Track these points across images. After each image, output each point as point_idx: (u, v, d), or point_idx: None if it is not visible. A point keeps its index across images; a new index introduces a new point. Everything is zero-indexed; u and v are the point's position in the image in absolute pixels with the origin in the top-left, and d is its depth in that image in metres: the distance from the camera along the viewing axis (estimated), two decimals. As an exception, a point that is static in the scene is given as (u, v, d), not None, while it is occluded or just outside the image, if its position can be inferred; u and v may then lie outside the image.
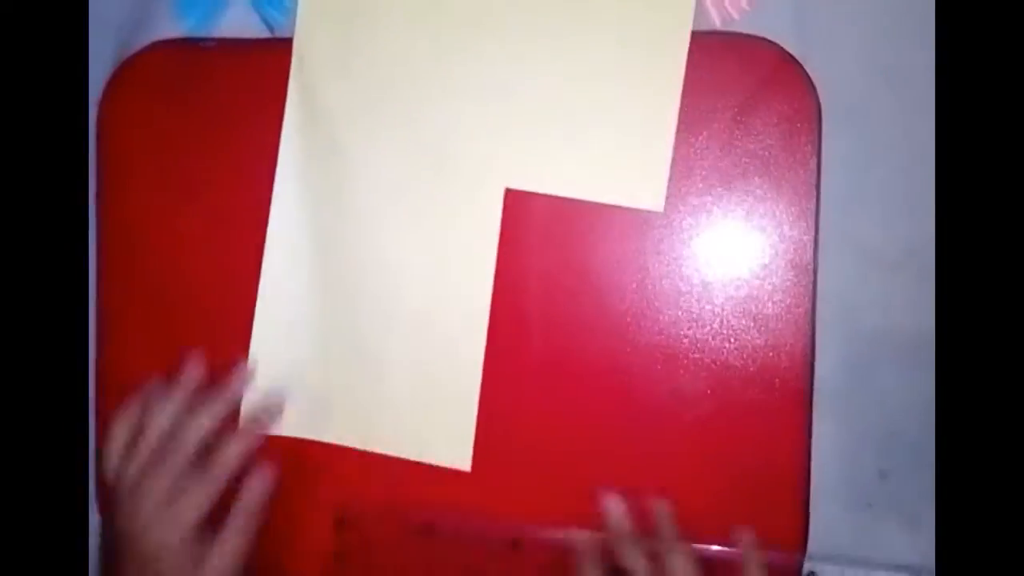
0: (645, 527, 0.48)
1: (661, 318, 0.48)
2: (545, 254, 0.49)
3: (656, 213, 0.48)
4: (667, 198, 0.48)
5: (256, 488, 0.48)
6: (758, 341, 0.48)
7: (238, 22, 0.50)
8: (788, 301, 0.48)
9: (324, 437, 0.50)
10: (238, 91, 0.51)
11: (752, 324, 0.48)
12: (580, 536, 0.48)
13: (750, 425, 0.48)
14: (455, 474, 0.49)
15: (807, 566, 0.48)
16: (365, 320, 0.50)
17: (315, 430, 0.50)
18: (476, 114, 0.49)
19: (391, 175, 0.49)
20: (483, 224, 0.49)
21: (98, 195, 0.51)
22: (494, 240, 0.49)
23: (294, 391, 0.50)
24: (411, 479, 0.50)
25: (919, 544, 0.49)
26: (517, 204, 0.49)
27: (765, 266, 0.48)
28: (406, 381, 0.50)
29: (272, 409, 0.50)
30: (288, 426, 0.50)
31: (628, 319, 0.49)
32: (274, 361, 0.50)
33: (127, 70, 0.50)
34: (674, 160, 0.48)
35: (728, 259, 0.48)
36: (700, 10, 0.48)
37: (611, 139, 0.48)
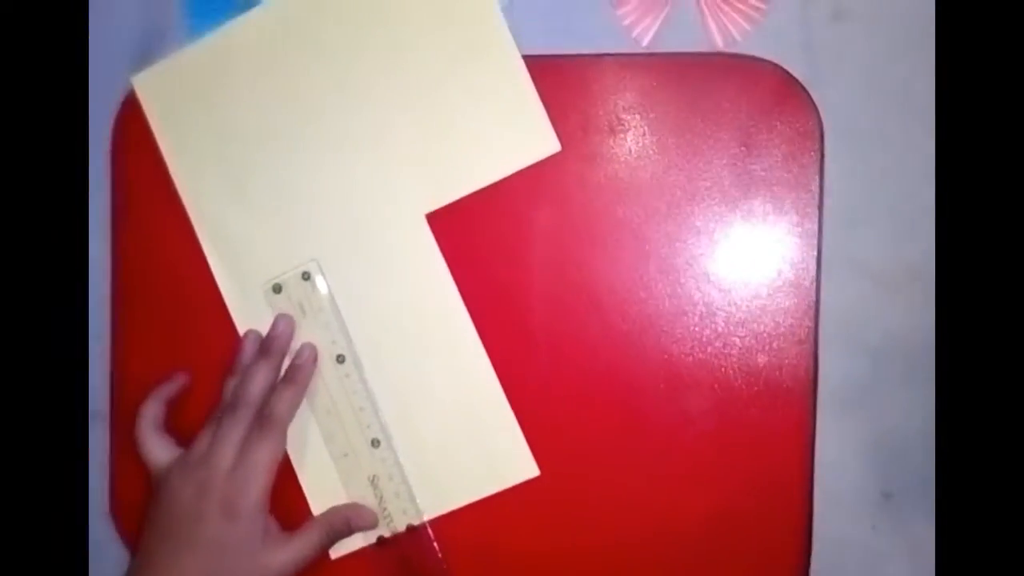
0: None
1: (664, 337, 0.48)
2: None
3: (660, 232, 0.48)
4: (670, 219, 0.48)
5: (349, 512, 0.48)
6: (761, 360, 0.48)
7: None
8: (791, 321, 0.48)
9: (416, 521, 0.49)
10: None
11: (755, 343, 0.48)
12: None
13: (753, 445, 0.48)
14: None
15: None
16: (381, 400, 0.50)
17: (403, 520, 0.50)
18: (367, 164, 0.50)
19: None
20: (426, 258, 0.49)
21: (114, 213, 0.51)
22: (442, 266, 0.49)
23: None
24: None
25: (922, 566, 0.48)
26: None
27: (768, 286, 0.48)
28: (441, 430, 0.50)
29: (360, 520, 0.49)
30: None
31: (627, 338, 0.49)
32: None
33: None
34: (678, 181, 0.48)
35: (731, 278, 0.48)
36: (702, 31, 0.49)
37: (483, 120, 0.49)
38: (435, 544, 0.49)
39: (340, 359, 0.49)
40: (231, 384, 0.49)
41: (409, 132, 0.50)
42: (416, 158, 0.50)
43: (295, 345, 0.49)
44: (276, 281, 0.50)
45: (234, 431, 0.46)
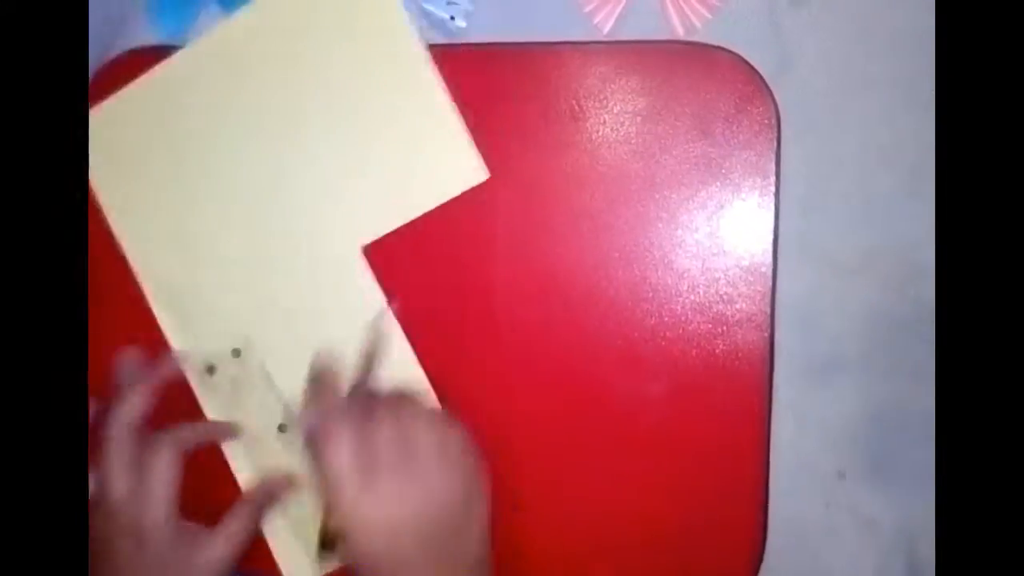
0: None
1: (623, 323, 0.50)
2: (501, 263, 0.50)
3: (620, 220, 0.49)
4: (628, 206, 0.49)
5: (270, 485, 0.49)
6: (719, 345, 0.49)
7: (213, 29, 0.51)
8: (748, 306, 0.49)
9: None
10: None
11: (713, 328, 0.49)
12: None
13: (711, 427, 0.49)
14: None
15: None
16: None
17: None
18: (300, 203, 0.51)
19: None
20: (361, 290, 0.51)
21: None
22: (378, 295, 0.51)
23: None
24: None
25: (873, 544, 0.50)
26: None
27: (726, 272, 0.49)
28: None
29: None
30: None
31: (589, 324, 0.50)
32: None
33: (102, 78, 0.51)
34: (637, 168, 0.49)
35: (689, 265, 0.49)
36: (663, 19, 0.49)
37: (413, 155, 0.50)
38: None
39: (283, 429, 0.51)
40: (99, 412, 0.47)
41: (338, 167, 0.51)
42: (348, 192, 0.51)
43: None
44: (209, 363, 0.51)
45: (117, 456, 0.45)
